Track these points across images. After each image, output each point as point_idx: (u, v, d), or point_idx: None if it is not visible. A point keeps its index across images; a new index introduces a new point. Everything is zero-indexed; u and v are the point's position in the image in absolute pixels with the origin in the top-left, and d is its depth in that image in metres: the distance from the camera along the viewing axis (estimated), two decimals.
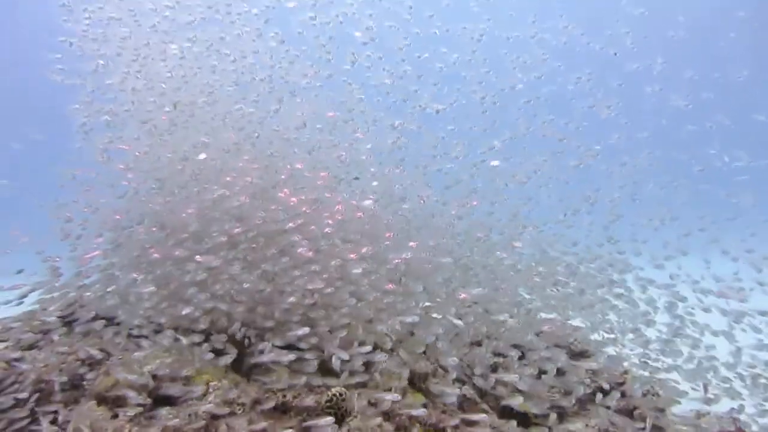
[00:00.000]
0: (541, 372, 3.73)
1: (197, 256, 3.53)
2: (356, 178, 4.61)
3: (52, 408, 3.00)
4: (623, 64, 6.02)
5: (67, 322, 3.60)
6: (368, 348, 3.55)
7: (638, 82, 6.33)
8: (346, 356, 3.47)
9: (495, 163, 4.73)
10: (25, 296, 3.50)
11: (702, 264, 5.16)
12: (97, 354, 3.29)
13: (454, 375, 3.62)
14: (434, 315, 3.82)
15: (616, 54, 5.22)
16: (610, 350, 4.41)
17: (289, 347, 3.54)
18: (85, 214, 3.94)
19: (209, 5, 5.29)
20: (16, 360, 3.15)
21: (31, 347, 3.35)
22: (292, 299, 3.69)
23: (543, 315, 4.47)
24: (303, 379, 3.41)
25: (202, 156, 3.97)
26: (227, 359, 3.38)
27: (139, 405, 2.96)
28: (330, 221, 4.02)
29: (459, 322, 3.82)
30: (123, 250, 3.84)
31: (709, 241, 5.15)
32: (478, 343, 4.02)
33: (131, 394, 3.01)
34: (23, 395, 2.96)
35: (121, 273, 3.75)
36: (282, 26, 5.35)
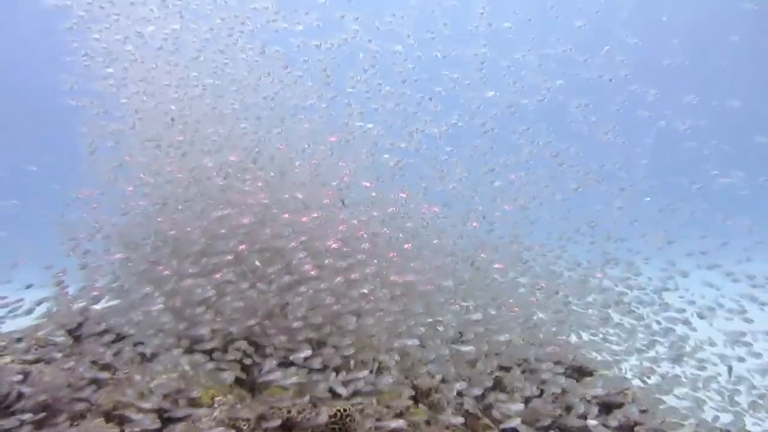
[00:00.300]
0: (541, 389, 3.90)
1: (187, 281, 3.71)
2: (343, 203, 4.80)
3: (59, 429, 3.10)
4: (621, 88, 6.37)
5: (75, 335, 3.75)
6: (366, 373, 3.69)
7: (636, 106, 6.68)
8: (344, 392, 3.60)
9: (497, 183, 4.98)
10: (32, 311, 3.66)
11: (702, 285, 5.40)
12: (102, 375, 3.40)
13: (454, 392, 3.76)
14: (439, 328, 3.99)
15: (611, 80, 5.58)
16: (613, 369, 4.59)
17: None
18: (92, 230, 4.14)
19: (211, 27, 5.60)
20: (20, 382, 3.27)
21: (37, 361, 3.48)
22: (297, 324, 3.83)
23: (544, 333, 4.65)
24: (307, 398, 3.55)
25: (220, 182, 4.21)
26: (232, 376, 3.53)
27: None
28: (333, 244, 4.19)
29: (468, 349, 3.96)
30: (131, 265, 4.02)
31: (709, 266, 5.38)
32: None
33: (136, 417, 3.14)
34: (27, 416, 3.07)
35: (130, 286, 3.92)
36: (284, 46, 5.68)
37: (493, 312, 4.45)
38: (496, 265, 4.67)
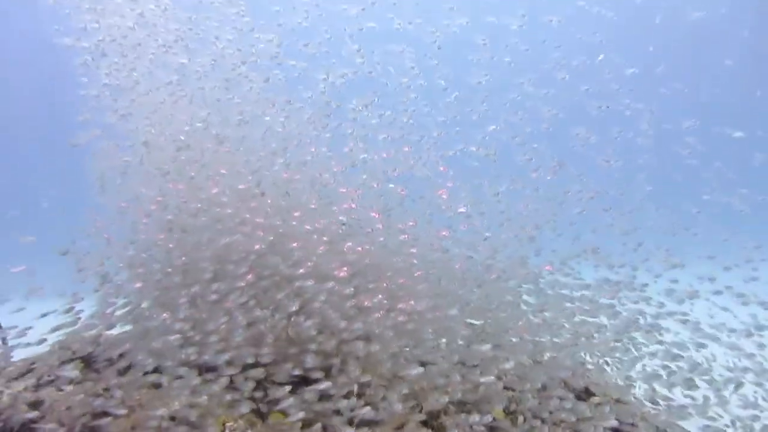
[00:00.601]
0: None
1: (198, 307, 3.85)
2: (343, 224, 4.97)
3: None
4: (621, 115, 6.67)
5: (87, 361, 3.88)
6: (368, 409, 3.79)
7: (636, 133, 6.98)
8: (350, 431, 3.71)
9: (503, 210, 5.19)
10: (43, 340, 3.81)
11: (712, 307, 5.52)
12: (118, 412, 3.49)
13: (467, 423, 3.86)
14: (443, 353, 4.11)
15: (608, 107, 5.89)
16: (624, 394, 4.68)
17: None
18: (104, 257, 4.33)
19: (214, 59, 5.89)
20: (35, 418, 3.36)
21: (49, 388, 3.59)
22: (309, 359, 3.96)
23: (549, 354, 4.76)
24: (319, 425, 3.65)
25: (229, 210, 4.42)
26: (248, 406, 3.64)
27: None
28: (341, 273, 4.34)
29: (488, 379, 4.08)
30: (143, 291, 4.18)
31: (716, 291, 5.51)
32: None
33: None
34: None
35: (141, 312, 4.08)
36: (287, 73, 5.99)
37: (501, 333, 4.58)
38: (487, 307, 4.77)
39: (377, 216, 4.94)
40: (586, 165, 5.91)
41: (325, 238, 4.50)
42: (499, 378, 4.19)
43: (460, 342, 4.43)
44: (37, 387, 3.59)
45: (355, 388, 3.96)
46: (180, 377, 3.68)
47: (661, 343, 4.74)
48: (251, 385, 3.79)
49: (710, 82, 29.12)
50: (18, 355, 3.91)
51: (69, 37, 5.48)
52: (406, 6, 6.94)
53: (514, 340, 4.74)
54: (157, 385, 3.75)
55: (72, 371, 3.67)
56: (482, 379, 4.05)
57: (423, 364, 4.16)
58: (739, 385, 4.68)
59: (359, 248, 4.75)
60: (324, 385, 3.80)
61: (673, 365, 4.64)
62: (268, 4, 6.26)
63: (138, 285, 4.15)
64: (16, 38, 29.70)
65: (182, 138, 4.92)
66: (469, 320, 4.74)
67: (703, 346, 4.80)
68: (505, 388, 4.23)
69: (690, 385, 4.52)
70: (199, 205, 4.65)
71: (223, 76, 5.77)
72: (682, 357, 4.64)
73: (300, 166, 5.37)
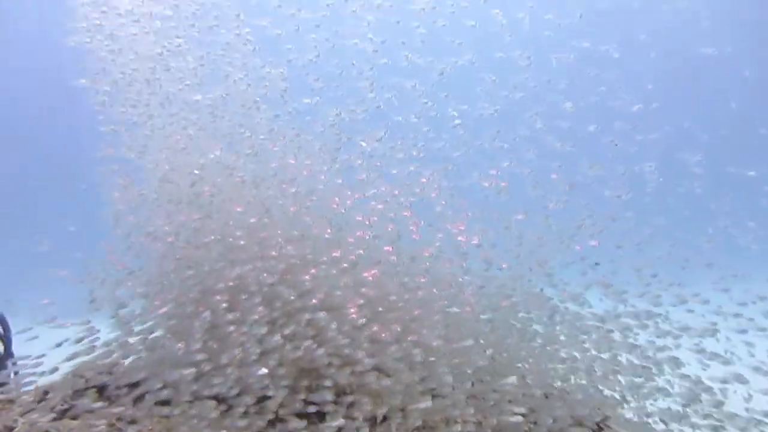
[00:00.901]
0: None
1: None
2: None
3: None
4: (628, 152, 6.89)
5: (100, 390, 3.94)
6: None
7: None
8: None
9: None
10: (56, 369, 3.88)
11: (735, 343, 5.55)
12: None
13: None
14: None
15: (617, 144, 6.12)
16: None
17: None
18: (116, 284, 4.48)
19: (227, 93, 6.15)
20: None
21: (63, 413, 3.64)
22: (327, 396, 4.02)
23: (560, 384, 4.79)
24: None
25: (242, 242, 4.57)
26: None
27: None
28: (354, 312, 4.44)
29: (516, 419, 4.12)
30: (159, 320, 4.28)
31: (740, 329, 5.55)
32: None
33: None
34: None
35: (158, 340, 4.16)
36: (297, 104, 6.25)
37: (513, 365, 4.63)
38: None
39: (390, 249, 5.06)
40: (597, 200, 6.07)
41: (345, 265, 4.61)
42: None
43: (469, 371, 4.48)
44: (52, 416, 3.64)
45: (360, 418, 3.99)
46: (194, 408, 3.74)
47: (679, 377, 4.75)
48: (266, 417, 3.83)
49: (714, 120, 29.79)
50: (32, 384, 3.97)
51: (86, 78, 5.78)
52: (414, 42, 7.27)
53: (526, 375, 4.78)
54: (168, 416, 3.80)
55: (91, 402, 3.73)
56: (512, 419, 4.08)
57: (435, 396, 4.21)
58: (760, 424, 4.66)
59: (370, 277, 4.85)
60: (337, 423, 3.85)
61: (691, 401, 4.64)
62: (281, 42, 6.58)
63: (154, 314, 4.25)
64: (35, 76, 30.80)
65: (196, 172, 5.12)
66: (486, 350, 4.79)
67: (726, 381, 4.79)
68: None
69: (711, 424, 4.50)
70: (213, 237, 4.80)
71: (235, 111, 6.03)
72: (701, 394, 4.64)
73: (309, 194, 5.52)
